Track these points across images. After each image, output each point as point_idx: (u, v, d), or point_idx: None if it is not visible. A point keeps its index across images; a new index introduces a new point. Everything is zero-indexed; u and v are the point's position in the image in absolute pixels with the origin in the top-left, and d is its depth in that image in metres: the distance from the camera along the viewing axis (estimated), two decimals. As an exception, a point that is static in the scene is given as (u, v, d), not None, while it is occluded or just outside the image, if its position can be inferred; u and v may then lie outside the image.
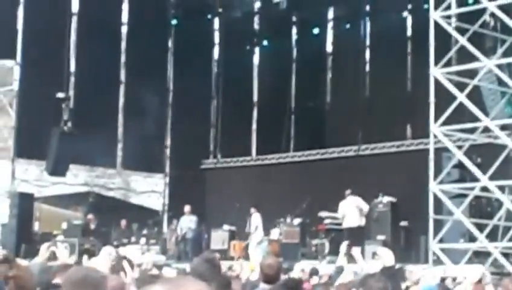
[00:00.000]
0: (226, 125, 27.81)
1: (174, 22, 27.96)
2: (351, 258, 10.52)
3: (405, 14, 25.35)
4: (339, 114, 26.60)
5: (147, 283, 5.67)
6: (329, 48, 27.82)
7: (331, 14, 27.75)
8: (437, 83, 16.88)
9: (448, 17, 17.56)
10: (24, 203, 22.54)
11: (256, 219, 21.16)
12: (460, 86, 16.98)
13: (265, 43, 28.46)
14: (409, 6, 25.04)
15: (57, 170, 22.80)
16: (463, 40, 16.74)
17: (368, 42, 26.33)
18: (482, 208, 18.42)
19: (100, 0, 25.34)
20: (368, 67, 26.24)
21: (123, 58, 26.85)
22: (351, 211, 19.56)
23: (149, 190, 27.44)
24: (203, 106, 28.00)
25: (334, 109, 27.27)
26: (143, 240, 22.86)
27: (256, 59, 28.86)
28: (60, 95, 22.48)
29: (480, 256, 17.01)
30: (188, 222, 22.68)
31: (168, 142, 27.92)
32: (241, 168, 27.33)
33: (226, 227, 23.02)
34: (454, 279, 12.54)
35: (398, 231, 20.72)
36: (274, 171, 26.39)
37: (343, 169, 24.00)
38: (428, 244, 16.86)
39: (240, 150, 27.72)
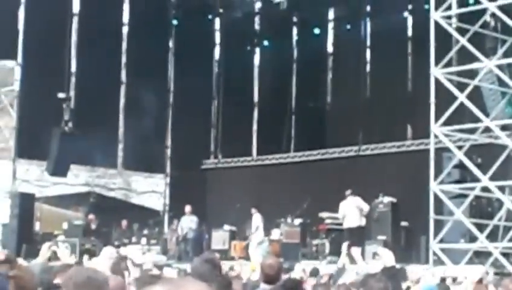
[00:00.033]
0: (227, 126, 27.82)
1: (174, 22, 27.97)
2: (352, 259, 10.55)
3: (406, 14, 25.36)
4: (340, 114, 26.61)
5: (147, 283, 5.68)
6: (329, 48, 27.83)
7: (331, 14, 27.76)
8: (437, 83, 16.90)
9: (449, 17, 17.59)
10: (25, 204, 22.56)
11: (257, 220, 21.16)
12: (461, 87, 17.00)
13: (265, 43, 28.47)
14: (410, 7, 25.05)
15: (58, 170, 22.81)
16: (463, 41, 16.76)
17: (368, 42, 26.34)
18: (482, 208, 18.44)
19: (101, 1, 25.35)
20: (368, 68, 26.25)
21: (124, 59, 26.87)
22: (351, 211, 19.54)
23: (150, 190, 27.45)
24: (204, 106, 28.02)
25: (335, 109, 27.28)
26: (144, 240, 22.88)
27: (256, 59, 28.87)
28: (61, 95, 22.49)
29: (480, 256, 17.03)
30: (188, 222, 22.68)
31: (169, 142, 27.94)
32: (241, 169, 27.35)
33: (226, 227, 23.04)
34: (454, 279, 12.56)
35: (399, 231, 20.73)
36: (274, 171, 26.40)
37: (344, 169, 24.03)
38: (429, 244, 16.87)
39: (241, 150, 27.74)
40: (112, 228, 23.50)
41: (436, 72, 16.92)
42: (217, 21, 28.74)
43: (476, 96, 17.47)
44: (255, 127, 28.49)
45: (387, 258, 6.95)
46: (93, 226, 22.07)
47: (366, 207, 19.77)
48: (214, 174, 27.68)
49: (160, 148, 27.46)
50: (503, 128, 17.06)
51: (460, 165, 17.35)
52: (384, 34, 25.01)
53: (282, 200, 23.58)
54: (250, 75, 28.76)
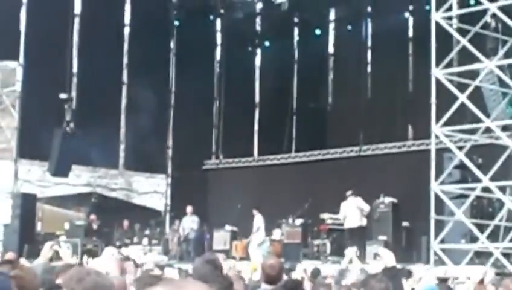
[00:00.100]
0: (228, 126, 27.84)
1: (176, 23, 28.00)
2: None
3: (406, 15, 25.36)
4: (341, 115, 26.63)
5: (148, 283, 5.72)
6: (330, 49, 27.84)
7: (332, 15, 27.77)
8: (438, 83, 16.91)
9: (450, 18, 17.60)
10: (27, 204, 22.60)
11: (258, 220, 21.18)
12: (462, 87, 17.01)
13: (267, 44, 28.49)
14: (411, 7, 25.05)
15: (60, 170, 22.84)
16: (464, 41, 16.77)
17: (369, 43, 26.34)
18: (483, 209, 18.45)
19: (102, 2, 25.36)
20: (369, 68, 26.25)
21: (125, 59, 26.90)
22: (352, 211, 19.60)
23: (151, 190, 27.47)
24: (205, 106, 28.04)
25: (336, 110, 27.29)
26: (145, 241, 22.92)
27: (258, 60, 28.89)
28: (63, 96, 22.52)
29: (481, 256, 17.04)
30: (190, 223, 22.71)
31: (170, 142, 27.97)
32: (243, 169, 27.37)
33: (228, 227, 23.06)
34: (455, 279, 12.57)
35: (400, 231, 20.74)
36: (276, 171, 26.42)
37: (345, 170, 24.04)
38: (430, 244, 16.88)
39: (242, 150, 27.76)
40: (114, 228, 23.53)
41: (437, 72, 16.94)
42: (218, 22, 28.77)
43: (477, 96, 17.49)
44: (256, 127, 28.51)
45: (388, 258, 6.96)
46: (94, 227, 22.10)
47: (366, 207, 19.81)
48: (215, 175, 27.71)
49: (162, 148, 27.49)
50: (504, 128, 17.08)
51: (461, 166, 17.36)
52: (385, 34, 25.01)
53: (283, 200, 23.61)
54: (252, 75, 28.77)
